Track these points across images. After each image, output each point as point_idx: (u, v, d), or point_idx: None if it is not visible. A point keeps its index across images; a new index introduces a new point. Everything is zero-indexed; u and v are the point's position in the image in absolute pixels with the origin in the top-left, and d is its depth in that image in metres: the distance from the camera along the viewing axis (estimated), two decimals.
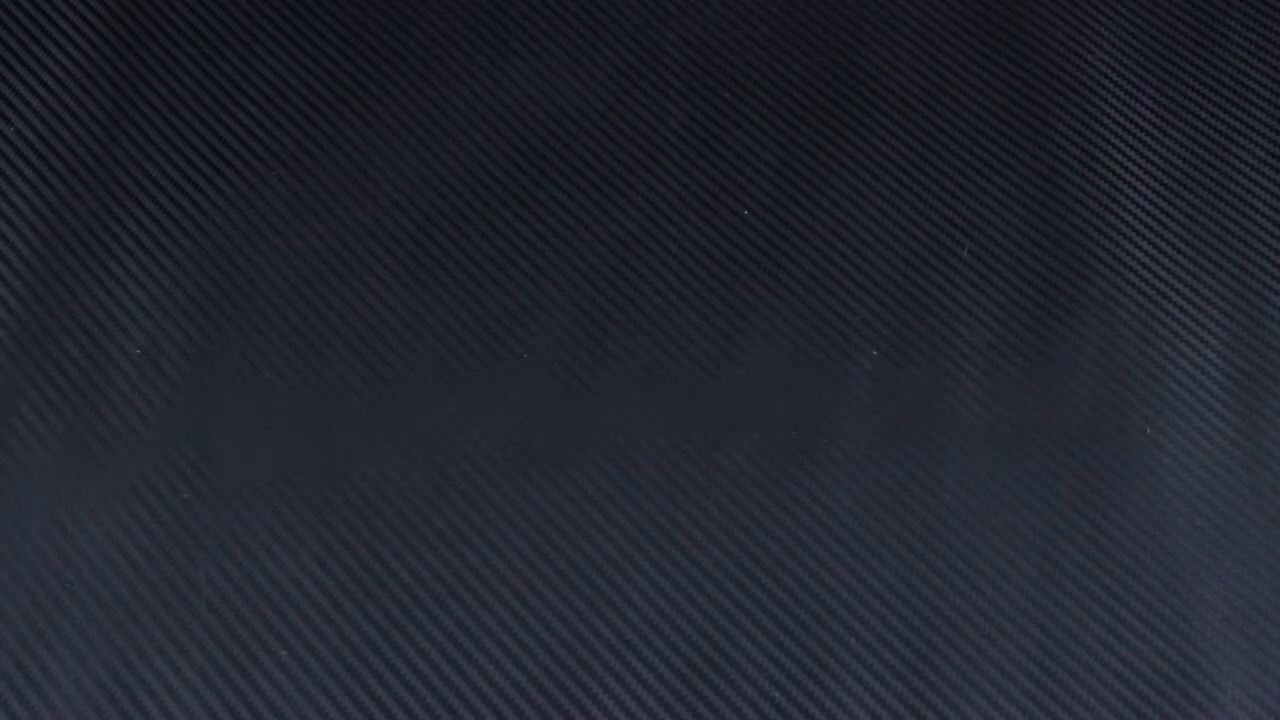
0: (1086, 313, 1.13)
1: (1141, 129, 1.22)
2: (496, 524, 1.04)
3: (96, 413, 1.07)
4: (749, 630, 1.01)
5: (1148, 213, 1.18)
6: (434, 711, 0.98)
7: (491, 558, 1.03)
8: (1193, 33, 1.27)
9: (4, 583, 1.01)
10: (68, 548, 1.02)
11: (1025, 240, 1.16)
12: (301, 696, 0.98)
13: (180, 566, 1.02)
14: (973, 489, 1.06)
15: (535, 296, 1.13)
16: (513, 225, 1.16)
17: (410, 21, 1.26)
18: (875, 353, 1.11)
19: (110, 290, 1.12)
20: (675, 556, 1.03)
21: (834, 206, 1.18)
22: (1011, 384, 1.10)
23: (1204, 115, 1.23)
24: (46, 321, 1.11)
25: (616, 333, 1.12)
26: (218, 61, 1.23)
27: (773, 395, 1.09)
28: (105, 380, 1.08)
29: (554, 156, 1.19)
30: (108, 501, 1.04)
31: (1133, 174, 1.20)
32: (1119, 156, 1.20)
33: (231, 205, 1.16)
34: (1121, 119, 1.22)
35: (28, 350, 1.09)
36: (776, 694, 0.99)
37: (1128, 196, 1.19)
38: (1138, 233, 1.17)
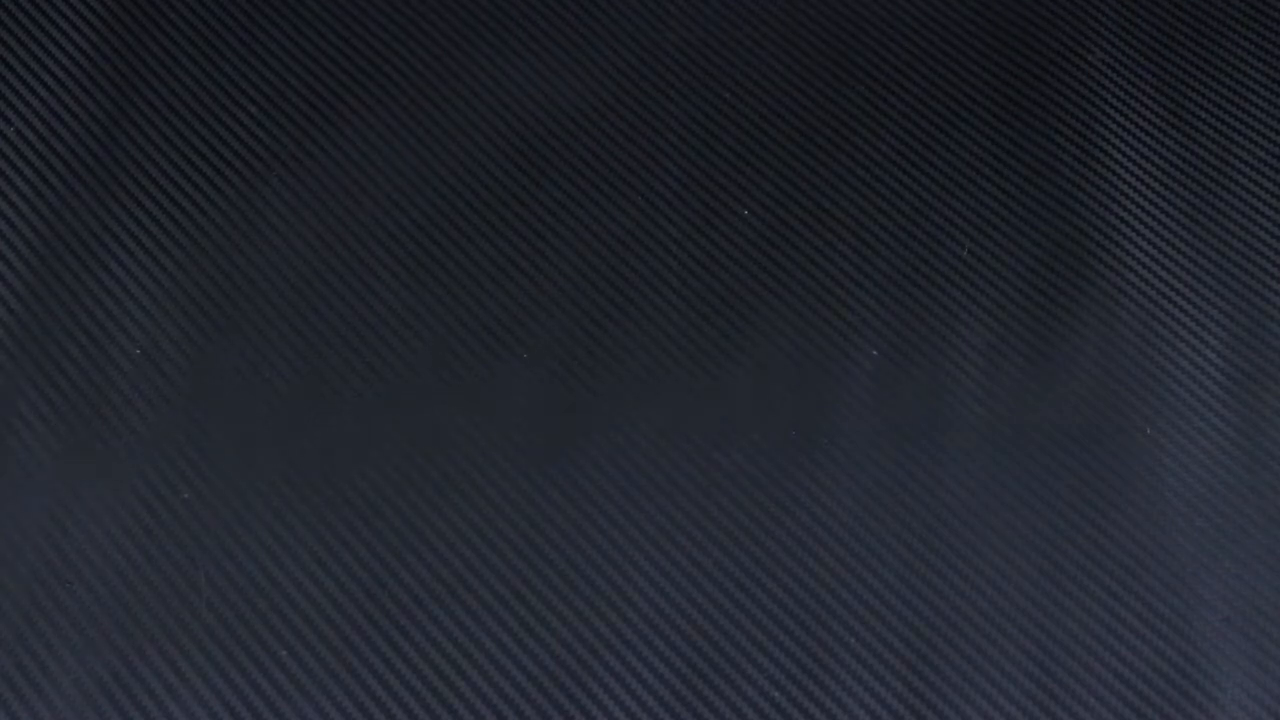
0: (1086, 313, 1.13)
1: (1141, 129, 1.22)
2: (496, 524, 1.04)
3: (96, 413, 1.07)
4: (749, 630, 1.01)
5: (1148, 213, 1.18)
6: (434, 711, 0.98)
7: (491, 558, 1.03)
8: (1193, 33, 1.27)
9: (4, 583, 1.01)
10: (68, 548, 1.02)
11: (1025, 240, 1.16)
12: (301, 696, 0.98)
13: (180, 566, 1.02)
14: (973, 489, 1.06)
15: (535, 296, 1.13)
16: (513, 225, 1.16)
17: (410, 21, 1.26)
18: (875, 353, 1.11)
19: (110, 290, 1.12)
20: (675, 556, 1.03)
21: (834, 206, 1.18)
22: (1011, 384, 1.10)
23: (1204, 115, 1.23)
24: (46, 321, 1.11)
25: (616, 333, 1.12)
26: (218, 61, 1.23)
27: (773, 395, 1.09)
28: (105, 380, 1.08)
29: (554, 156, 1.19)
30: (108, 501, 1.04)
31: (1133, 174, 1.20)
32: (1119, 156, 1.20)
33: (231, 205, 1.16)
34: (1121, 119, 1.22)
35: (28, 350, 1.09)
36: (776, 694, 0.99)
37: (1128, 196, 1.19)
38: (1138, 233, 1.17)
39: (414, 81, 1.23)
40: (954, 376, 1.11)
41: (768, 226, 1.17)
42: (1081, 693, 0.99)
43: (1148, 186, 1.19)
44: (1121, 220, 1.18)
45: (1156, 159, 1.20)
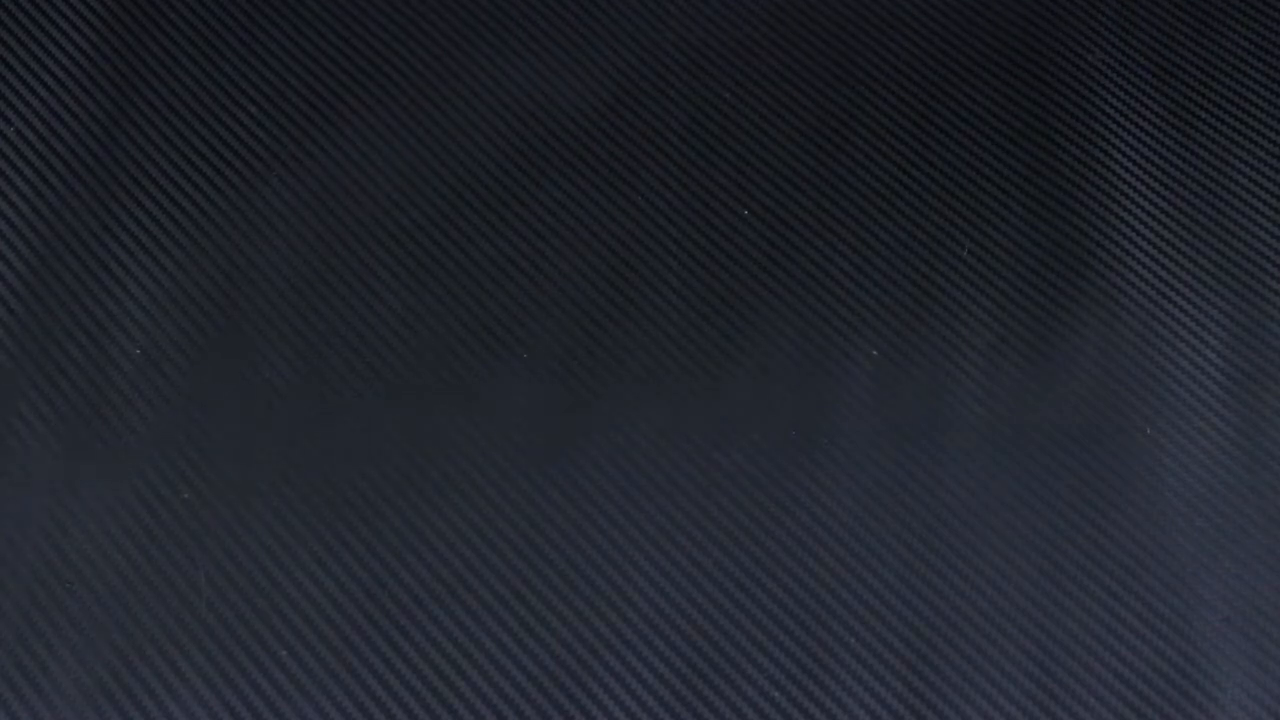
0: (1086, 313, 1.13)
1: (1141, 129, 1.22)
2: (496, 524, 1.04)
3: (96, 413, 1.07)
4: (749, 630, 1.01)
5: (1148, 213, 1.18)
6: (434, 711, 0.98)
7: (491, 558, 1.03)
8: (1193, 33, 1.27)
9: (4, 583, 1.01)
10: (68, 548, 1.02)
11: (1025, 240, 1.16)
12: (301, 696, 0.98)
13: (180, 566, 1.02)
14: (973, 489, 1.06)
15: (535, 296, 1.13)
16: (513, 225, 1.16)
17: (410, 22, 1.26)
18: (875, 353, 1.11)
19: (110, 290, 1.12)
20: (675, 556, 1.03)
21: (834, 206, 1.18)
22: (1011, 384, 1.10)
23: (1204, 115, 1.23)
24: (46, 321, 1.11)
25: (616, 333, 1.12)
26: (218, 61, 1.23)
27: (773, 395, 1.09)
28: (105, 380, 1.08)
29: (554, 157, 1.19)
30: (108, 501, 1.04)
31: (1133, 174, 1.20)
32: (1119, 156, 1.20)
33: (231, 205, 1.16)
34: (1121, 119, 1.22)
35: (28, 350, 1.09)
36: (776, 694, 0.99)
37: (1128, 196, 1.19)
38: (1138, 233, 1.17)
39: (414, 81, 1.23)
40: (954, 376, 1.11)
41: (768, 226, 1.17)
42: (1081, 693, 0.99)
43: (1148, 186, 1.19)
44: (1121, 220, 1.18)
45: (1156, 159, 1.20)
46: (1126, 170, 1.20)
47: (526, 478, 1.06)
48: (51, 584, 1.01)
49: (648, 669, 1.00)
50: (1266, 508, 1.06)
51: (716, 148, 1.20)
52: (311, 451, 1.06)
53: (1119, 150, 1.21)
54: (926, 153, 1.20)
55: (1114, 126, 1.22)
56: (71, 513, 1.03)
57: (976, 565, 1.03)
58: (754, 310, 1.13)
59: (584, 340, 1.11)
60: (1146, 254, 1.16)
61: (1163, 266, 1.15)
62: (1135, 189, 1.19)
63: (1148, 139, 1.21)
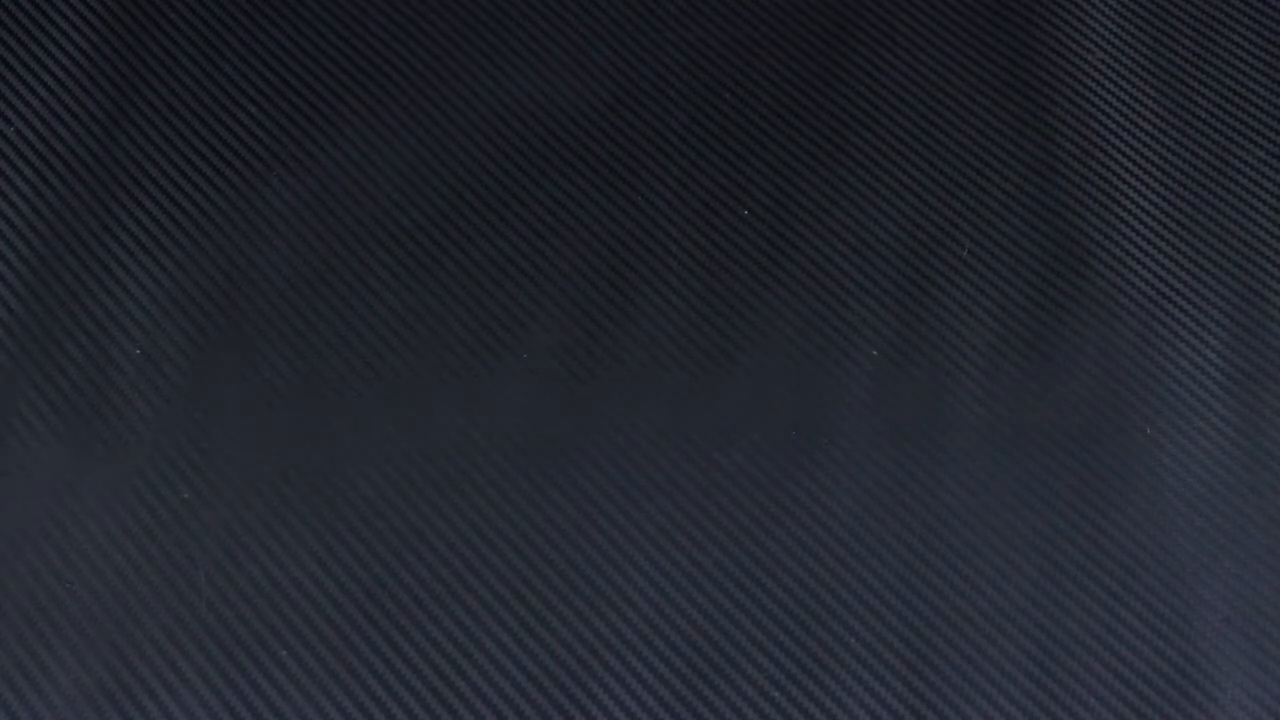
0: (1086, 312, 1.13)
1: (1141, 129, 1.22)
2: (496, 524, 1.04)
3: (96, 413, 1.07)
4: (749, 630, 1.01)
5: (1148, 213, 1.18)
6: (434, 711, 0.98)
7: (491, 558, 1.03)
8: (1193, 33, 1.27)
9: (4, 583, 1.01)
10: (68, 548, 1.02)
11: (1025, 240, 1.16)
12: (301, 696, 0.98)
13: (180, 566, 1.02)
14: (973, 489, 1.06)
15: (535, 296, 1.13)
16: (512, 225, 1.16)
17: (410, 22, 1.26)
18: (875, 353, 1.11)
19: (110, 290, 1.12)
20: (675, 556, 1.03)
21: (834, 206, 1.18)
22: (1011, 384, 1.10)
23: (1204, 115, 1.23)
24: (46, 321, 1.11)
25: (616, 333, 1.12)
26: (218, 61, 1.23)
27: (773, 395, 1.09)
28: (105, 380, 1.08)
29: (554, 156, 1.19)
30: (108, 501, 1.04)
31: (1133, 174, 1.20)
32: (1119, 156, 1.20)
33: (231, 205, 1.16)
34: (1121, 119, 1.22)
35: (28, 350, 1.09)
36: (776, 694, 0.99)
37: (1128, 196, 1.19)
38: (1138, 233, 1.17)
39: (414, 81, 1.23)
40: (954, 376, 1.11)
41: (768, 226, 1.17)
42: (1081, 693, 0.99)
43: (1148, 186, 1.19)
44: (1121, 220, 1.17)
45: (1156, 159, 1.20)
46: (1126, 170, 1.20)
47: (526, 478, 1.06)
48: (51, 584, 1.01)
49: (648, 669, 1.00)
50: (1266, 508, 1.06)
51: (716, 148, 1.20)
52: (311, 451, 1.06)
53: (1119, 150, 1.21)
54: (926, 153, 1.20)
55: (1114, 126, 1.22)
56: (71, 513, 1.03)
57: (976, 565, 1.03)
58: (754, 310, 1.13)
59: (584, 340, 1.11)
60: (1146, 254, 1.16)
61: (1163, 266, 1.15)
62: (1135, 189, 1.19)
63: (1148, 139, 1.21)
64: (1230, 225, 1.17)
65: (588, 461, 1.06)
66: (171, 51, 1.23)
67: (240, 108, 1.21)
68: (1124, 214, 1.18)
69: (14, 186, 1.16)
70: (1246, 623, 1.02)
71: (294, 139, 1.19)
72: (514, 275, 1.14)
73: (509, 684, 0.99)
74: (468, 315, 1.12)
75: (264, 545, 1.03)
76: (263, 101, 1.21)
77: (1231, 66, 1.25)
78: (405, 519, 1.04)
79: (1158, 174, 1.20)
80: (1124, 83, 1.24)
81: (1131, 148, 1.21)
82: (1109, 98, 1.23)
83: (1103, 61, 1.25)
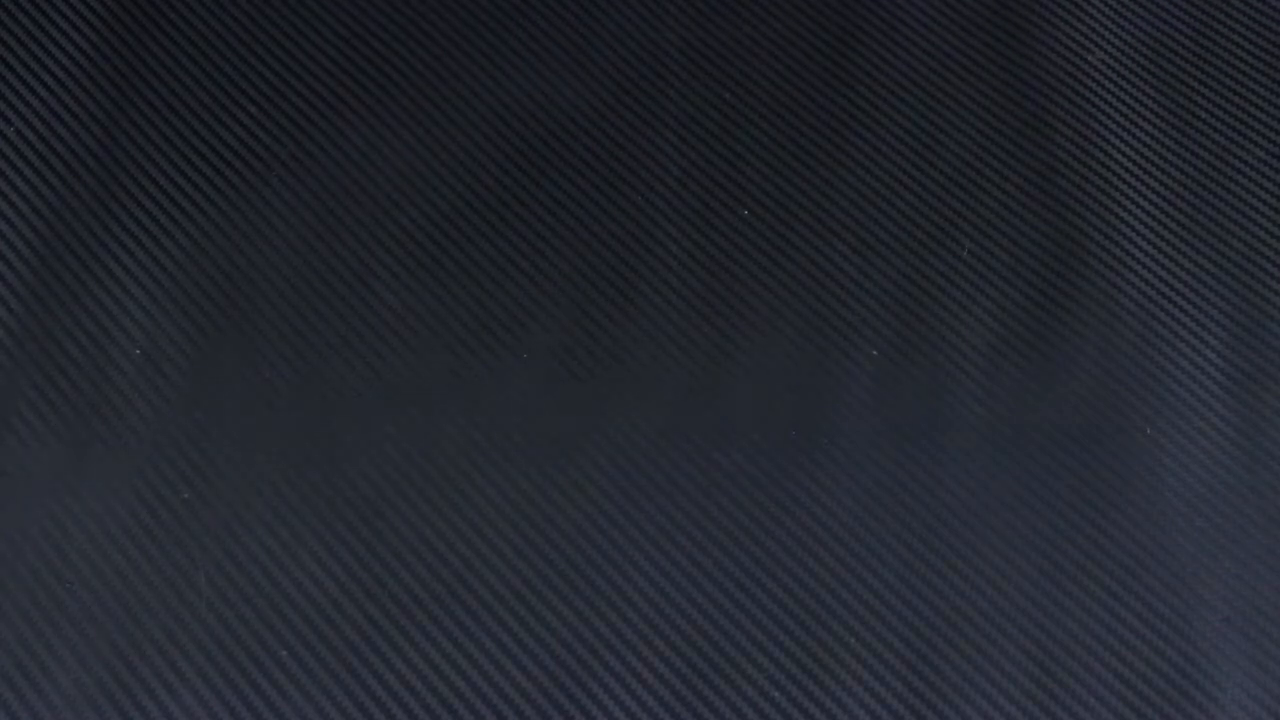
0: (1086, 313, 1.13)
1: (1141, 129, 1.22)
2: (497, 524, 1.04)
3: (96, 413, 1.07)
4: (749, 630, 1.01)
5: (1148, 213, 1.18)
6: (434, 711, 0.98)
7: (491, 558, 1.03)
8: (1193, 33, 1.27)
9: (4, 583, 1.01)
10: (68, 548, 1.02)
11: (1025, 240, 1.16)
12: (301, 696, 0.98)
13: (180, 566, 1.02)
14: (973, 489, 1.06)
15: (535, 296, 1.13)
16: (513, 225, 1.16)
17: (410, 21, 1.26)
18: (875, 353, 1.11)
19: (110, 290, 1.12)
20: (675, 556, 1.03)
21: (834, 206, 1.18)
22: (1011, 384, 1.10)
23: (1204, 115, 1.23)
24: (46, 321, 1.11)
25: (616, 333, 1.12)
26: (218, 61, 1.23)
27: (773, 395, 1.09)
28: (105, 380, 1.08)
29: (554, 156, 1.19)
30: (108, 501, 1.04)
31: (1133, 174, 1.20)
32: (1119, 156, 1.20)
33: (231, 205, 1.16)
34: (1121, 119, 1.22)
35: (28, 350, 1.09)
36: (776, 694, 0.99)
37: (1128, 196, 1.19)
38: (1138, 233, 1.17)
39: (414, 81, 1.23)
40: (954, 376, 1.11)
41: (768, 226, 1.17)
42: (1081, 693, 0.99)
43: (1148, 186, 1.19)
44: (1121, 220, 1.18)
45: (1156, 159, 1.20)
46: (1126, 170, 1.20)
47: (526, 478, 1.06)
48: (51, 584, 1.01)
49: (648, 669, 1.00)
50: (1266, 508, 1.06)
51: (716, 148, 1.20)
52: (311, 451, 1.06)
53: (1119, 150, 1.21)
54: (926, 152, 1.20)
55: (1114, 126, 1.22)
56: (71, 513, 1.03)
57: (976, 565, 1.03)
58: (754, 310, 1.13)
59: (584, 340, 1.11)
60: (1146, 254, 1.16)
61: (1163, 266, 1.15)
62: (1135, 189, 1.19)
63: (1148, 139, 1.21)
64: (1230, 225, 1.17)
65: (588, 461, 1.06)
66: (171, 51, 1.23)
67: (240, 108, 1.21)
68: (1124, 214, 1.18)
69: (14, 186, 1.16)
70: (1246, 623, 1.02)
71: (294, 139, 1.19)
72: (514, 275, 1.14)
73: (509, 684, 0.99)
74: (468, 315, 1.12)
75: (264, 545, 1.03)
76: (263, 101, 1.21)
77: (1231, 66, 1.25)
78: (405, 519, 1.04)
79: (1158, 174, 1.20)
80: (1124, 83, 1.24)
81: (1131, 148, 1.21)
82: (1109, 98, 1.23)
83: (1103, 61, 1.25)
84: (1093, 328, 1.13)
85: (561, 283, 1.14)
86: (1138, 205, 1.18)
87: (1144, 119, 1.22)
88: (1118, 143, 1.21)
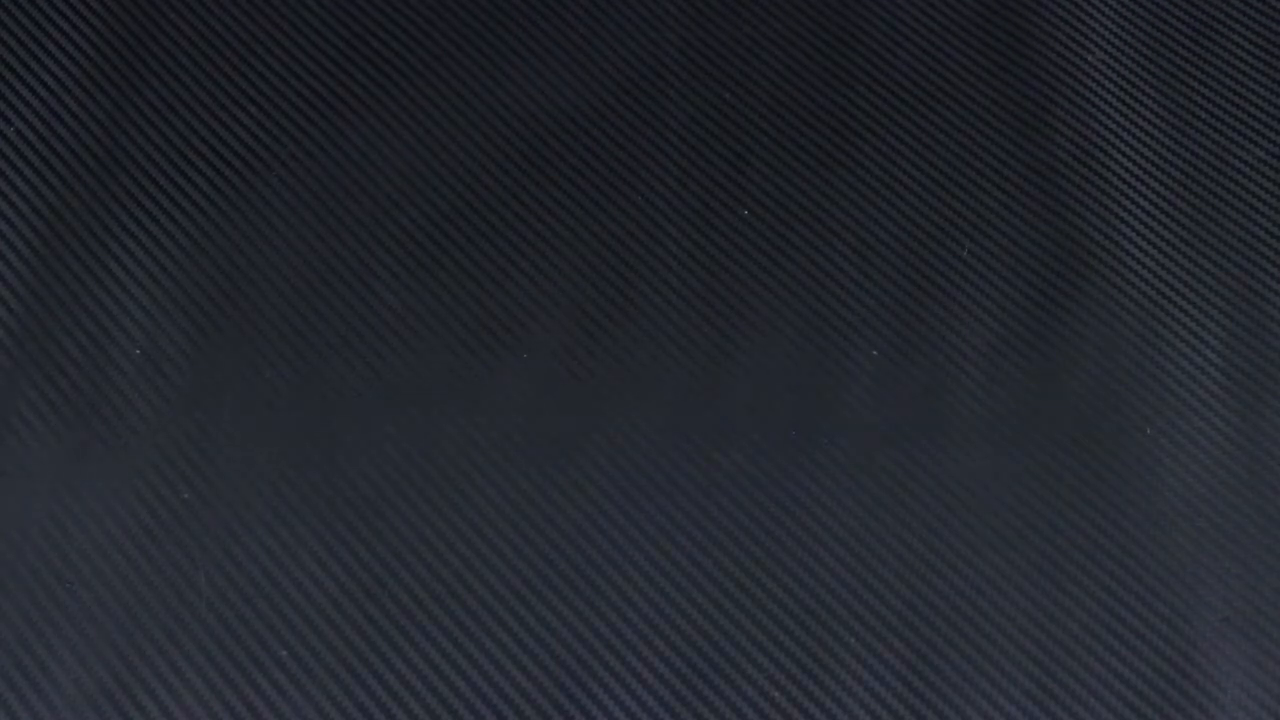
0: (1086, 312, 1.13)
1: (1141, 129, 1.22)
2: (497, 524, 1.04)
3: (96, 413, 1.07)
4: (749, 630, 1.01)
5: (1148, 213, 1.18)
6: (434, 712, 0.98)
7: (491, 558, 1.03)
8: (1193, 33, 1.27)
9: (4, 583, 1.01)
10: (68, 548, 1.02)
11: (1025, 240, 1.16)
12: (301, 696, 0.98)
13: (180, 566, 1.02)
14: (973, 489, 1.06)
15: (535, 296, 1.13)
16: (513, 225, 1.16)
17: (410, 21, 1.26)
18: (875, 353, 1.11)
19: (110, 290, 1.12)
20: (675, 556, 1.03)
21: (834, 206, 1.18)
22: (1011, 384, 1.10)
23: (1204, 115, 1.23)
24: (46, 321, 1.11)
25: (616, 333, 1.12)
26: (218, 61, 1.23)
27: (773, 395, 1.09)
28: (105, 380, 1.08)
29: (553, 156, 1.19)
30: (108, 501, 1.04)
31: (1133, 174, 1.20)
32: (1119, 156, 1.20)
33: (231, 205, 1.16)
34: (1121, 119, 1.22)
35: (28, 350, 1.09)
36: (776, 694, 0.99)
37: (1128, 196, 1.19)
38: (1138, 233, 1.17)
39: (414, 81, 1.23)
40: (954, 376, 1.11)
41: (768, 226, 1.17)
42: (1081, 693, 0.99)
43: (1148, 186, 1.19)
44: (1121, 220, 1.17)
45: (1156, 159, 1.20)
46: (1126, 170, 1.20)
47: (526, 478, 1.06)
48: (51, 584, 1.01)
49: (648, 669, 1.00)
50: (1266, 508, 1.06)
51: (716, 148, 1.20)
52: (311, 451, 1.06)
53: (1119, 150, 1.21)
54: (926, 152, 1.20)
55: (1114, 126, 1.22)
56: (71, 513, 1.03)
57: (976, 565, 1.03)
58: (754, 310, 1.13)
59: (584, 340, 1.11)
60: (1146, 254, 1.16)
61: (1163, 266, 1.15)
62: (1135, 189, 1.19)
63: (1148, 139, 1.21)
64: (1230, 225, 1.17)
65: (588, 461, 1.06)
66: (171, 51, 1.23)
67: (240, 108, 1.21)
68: (1124, 214, 1.18)
69: (14, 186, 1.16)
70: (1246, 623, 1.02)
71: (294, 139, 1.19)
72: (514, 275, 1.14)
73: (509, 684, 0.99)
74: (468, 315, 1.12)
75: (264, 545, 1.03)
76: (263, 101, 1.21)
77: (1232, 66, 1.25)
78: (405, 519, 1.04)
79: (1158, 174, 1.20)
80: (1124, 83, 1.24)
81: (1131, 148, 1.21)
82: (1109, 98, 1.23)
83: (1103, 61, 1.25)
84: (1093, 328, 1.13)
85: (561, 283, 1.14)
86: (1138, 205, 1.18)
87: (1144, 119, 1.22)
88: (1118, 143, 1.21)
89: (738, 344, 1.11)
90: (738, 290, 1.14)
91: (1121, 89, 1.24)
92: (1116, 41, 1.26)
